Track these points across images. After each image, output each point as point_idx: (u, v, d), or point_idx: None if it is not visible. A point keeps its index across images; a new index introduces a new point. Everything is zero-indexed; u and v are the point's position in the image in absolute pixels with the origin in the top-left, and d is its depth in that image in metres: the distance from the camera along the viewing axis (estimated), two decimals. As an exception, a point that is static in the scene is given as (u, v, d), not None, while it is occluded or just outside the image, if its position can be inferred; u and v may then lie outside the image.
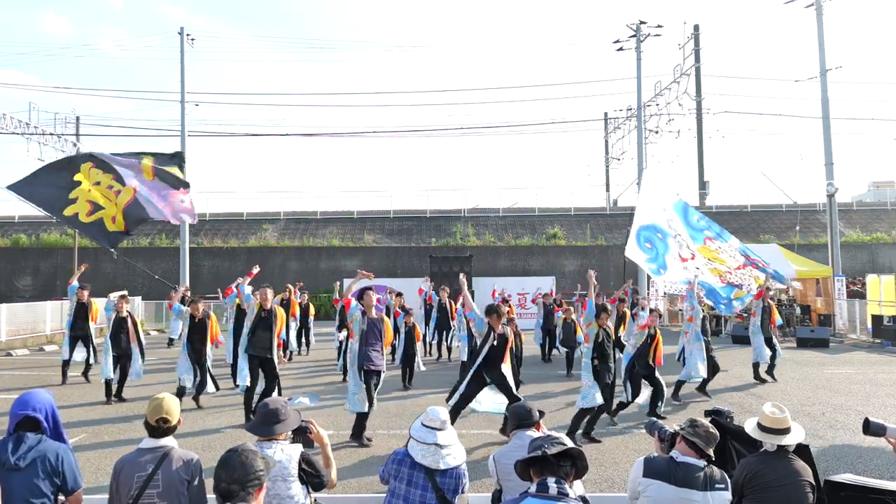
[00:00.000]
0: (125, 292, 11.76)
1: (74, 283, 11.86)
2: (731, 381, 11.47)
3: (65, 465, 3.15)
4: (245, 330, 8.72)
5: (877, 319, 17.77)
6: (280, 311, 9.20)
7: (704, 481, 3.21)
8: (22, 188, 10.09)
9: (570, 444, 2.76)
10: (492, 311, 7.41)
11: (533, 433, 3.59)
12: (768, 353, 11.46)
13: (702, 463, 3.28)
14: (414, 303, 23.13)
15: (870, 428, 3.40)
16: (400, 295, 14.67)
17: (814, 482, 3.40)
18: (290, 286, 14.27)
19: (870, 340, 17.83)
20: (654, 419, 3.97)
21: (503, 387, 7.32)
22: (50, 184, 10.11)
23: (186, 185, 10.84)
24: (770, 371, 11.54)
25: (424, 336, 14.58)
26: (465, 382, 7.34)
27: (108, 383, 10.04)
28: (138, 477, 3.03)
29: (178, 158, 11.23)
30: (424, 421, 3.60)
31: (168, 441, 3.19)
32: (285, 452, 3.29)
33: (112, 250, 11.43)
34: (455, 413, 7.26)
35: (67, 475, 3.16)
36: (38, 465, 3.06)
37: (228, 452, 2.65)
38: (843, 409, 9.10)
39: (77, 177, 10.21)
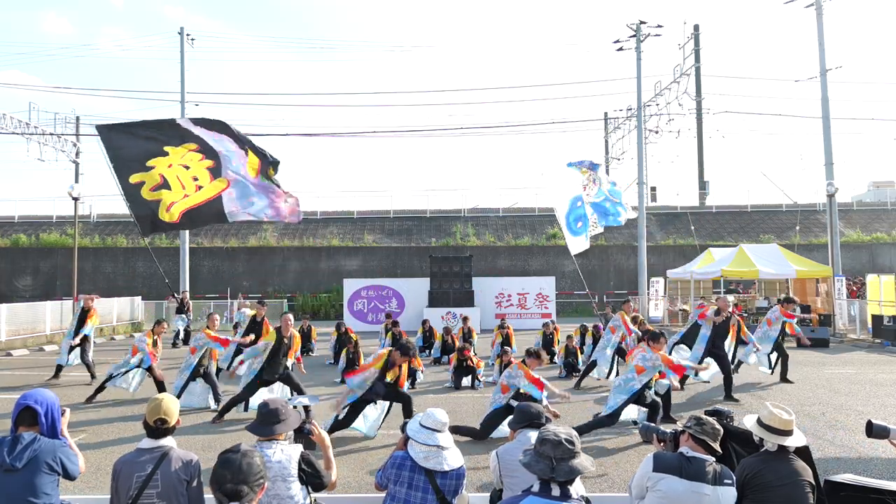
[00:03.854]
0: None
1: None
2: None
3: (64, 461, 3.18)
4: (262, 357, 8.61)
5: (877, 319, 17.77)
6: (297, 336, 9.04)
7: (714, 476, 3.24)
8: (106, 132, 9.17)
9: (578, 447, 2.75)
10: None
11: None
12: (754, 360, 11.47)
13: (711, 458, 3.31)
14: (415, 305, 23.19)
15: (873, 431, 3.40)
16: (396, 324, 14.60)
17: (814, 482, 3.40)
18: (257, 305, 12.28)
19: (870, 340, 17.83)
20: (647, 423, 3.98)
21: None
22: (138, 139, 9.12)
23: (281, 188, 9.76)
24: (784, 374, 11.49)
25: (439, 358, 14.44)
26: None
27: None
28: (137, 477, 3.04)
29: (274, 163, 9.88)
30: (424, 423, 3.58)
31: (167, 441, 3.20)
32: (285, 453, 3.29)
33: (145, 239, 10.38)
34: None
35: (68, 468, 3.20)
36: (36, 464, 3.07)
37: (229, 453, 2.66)
38: (843, 409, 9.09)
39: (168, 148, 9.16)
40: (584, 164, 13.42)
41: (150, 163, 9.20)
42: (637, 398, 7.41)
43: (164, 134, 9.41)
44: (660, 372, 7.48)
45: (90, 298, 12.35)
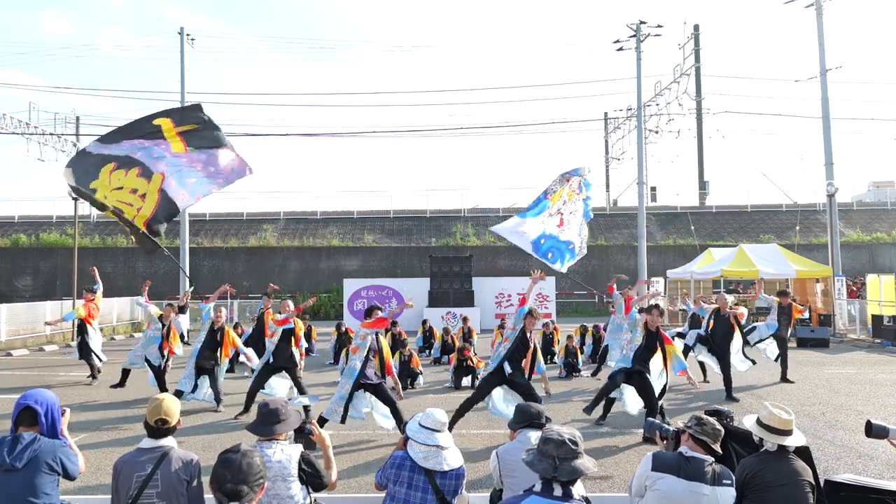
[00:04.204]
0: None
1: (210, 304, 9.88)
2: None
3: (64, 461, 3.19)
4: (268, 344, 8.92)
5: (877, 319, 17.77)
6: (298, 323, 9.14)
7: (713, 476, 3.24)
8: (77, 191, 9.23)
9: (581, 448, 2.75)
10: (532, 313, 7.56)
11: (539, 434, 3.59)
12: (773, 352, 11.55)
13: (709, 458, 3.32)
14: (415, 305, 23.17)
15: (872, 431, 3.39)
16: (396, 324, 14.56)
17: (814, 482, 3.40)
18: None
19: (870, 340, 17.83)
20: (651, 420, 3.97)
21: (521, 386, 7.38)
22: (79, 183, 8.99)
23: (223, 141, 9.35)
24: (784, 373, 11.50)
25: (438, 358, 14.44)
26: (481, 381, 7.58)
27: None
28: (137, 477, 3.04)
29: (196, 110, 9.45)
30: (423, 423, 3.58)
31: (167, 441, 3.20)
32: (285, 452, 3.29)
33: (167, 252, 10.22)
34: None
35: (68, 468, 3.21)
36: (36, 464, 3.07)
37: (228, 453, 2.66)
38: (843, 409, 9.09)
39: (93, 185, 8.97)
40: (549, 194, 12.84)
41: (96, 199, 9.07)
42: (631, 371, 7.66)
43: (83, 172, 9.17)
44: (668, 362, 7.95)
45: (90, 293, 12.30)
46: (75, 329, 12.12)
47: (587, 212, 12.74)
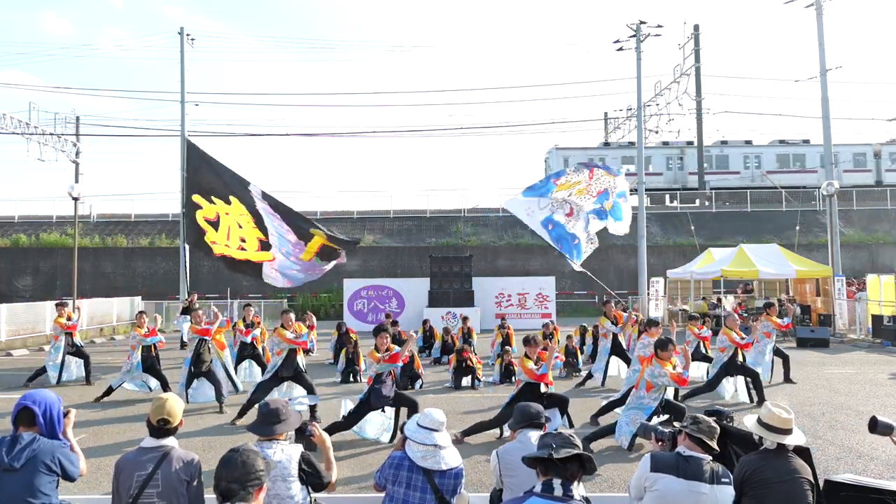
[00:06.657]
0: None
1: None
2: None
3: (63, 462, 3.19)
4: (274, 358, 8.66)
5: (877, 319, 17.77)
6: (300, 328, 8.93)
7: (711, 475, 3.25)
8: (195, 150, 10.70)
9: (579, 444, 2.75)
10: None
11: (539, 433, 3.60)
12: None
13: (708, 457, 3.33)
14: (415, 305, 23.16)
15: (878, 427, 3.39)
16: (396, 324, 14.50)
17: (813, 481, 3.41)
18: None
19: (870, 340, 17.82)
20: (646, 423, 3.97)
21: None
22: (215, 174, 10.66)
23: (337, 255, 11.20)
24: (787, 374, 11.33)
25: (438, 358, 14.43)
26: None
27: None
28: (138, 476, 3.04)
29: (352, 244, 11.47)
30: (422, 422, 3.58)
31: (169, 441, 3.20)
32: (285, 453, 3.29)
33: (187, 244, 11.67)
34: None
35: (67, 469, 3.21)
36: (35, 464, 3.08)
37: (230, 452, 2.65)
38: (843, 409, 9.10)
39: (233, 198, 10.55)
40: (558, 178, 12.99)
41: (214, 198, 10.53)
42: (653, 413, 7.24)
43: (236, 185, 10.72)
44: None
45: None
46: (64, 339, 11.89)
47: (618, 214, 12.63)
